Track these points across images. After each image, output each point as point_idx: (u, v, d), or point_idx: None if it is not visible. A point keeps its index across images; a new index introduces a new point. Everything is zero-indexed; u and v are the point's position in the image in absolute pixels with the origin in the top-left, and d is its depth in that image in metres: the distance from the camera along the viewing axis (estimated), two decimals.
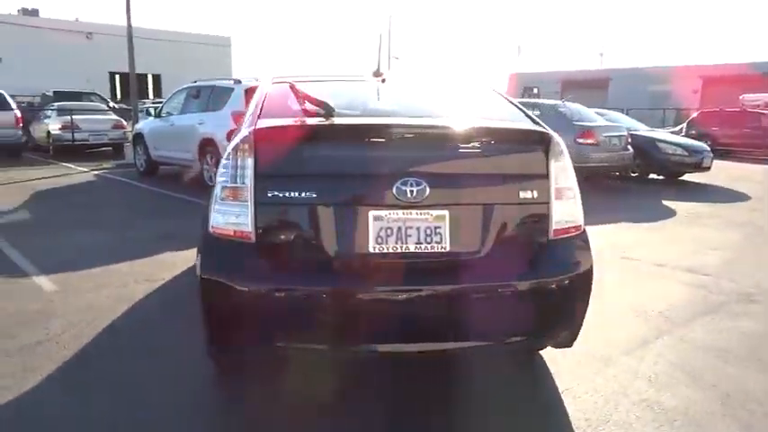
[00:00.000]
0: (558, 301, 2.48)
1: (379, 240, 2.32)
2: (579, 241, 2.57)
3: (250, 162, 2.29)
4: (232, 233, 2.31)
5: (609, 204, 8.56)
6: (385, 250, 2.32)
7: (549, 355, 3.14)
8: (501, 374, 3.02)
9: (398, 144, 2.40)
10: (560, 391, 2.81)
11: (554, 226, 2.49)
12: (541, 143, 2.49)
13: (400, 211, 2.33)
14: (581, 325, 2.64)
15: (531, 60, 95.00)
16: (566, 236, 2.53)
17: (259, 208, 2.29)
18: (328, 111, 2.48)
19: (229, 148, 2.36)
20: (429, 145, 2.44)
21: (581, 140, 9.82)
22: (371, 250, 2.31)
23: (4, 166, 11.44)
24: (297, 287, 2.28)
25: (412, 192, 2.30)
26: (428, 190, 2.32)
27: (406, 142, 2.41)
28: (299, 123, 2.46)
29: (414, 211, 2.34)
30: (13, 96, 14.08)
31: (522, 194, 2.44)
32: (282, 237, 2.34)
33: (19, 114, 13.35)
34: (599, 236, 6.32)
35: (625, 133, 10.54)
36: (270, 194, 2.28)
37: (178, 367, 2.95)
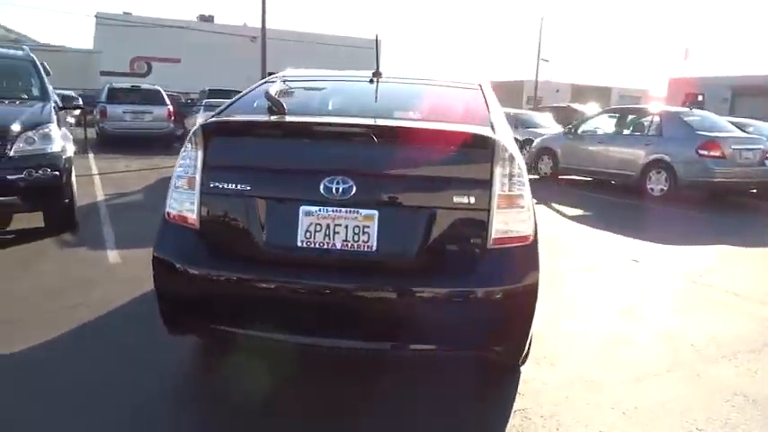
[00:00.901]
0: (490, 313, 2.37)
1: (308, 235, 2.39)
2: (523, 253, 2.43)
3: (200, 154, 2.49)
4: (182, 219, 2.52)
5: (720, 225, 7.68)
6: (312, 245, 2.39)
7: (532, 374, 2.99)
8: (462, 387, 2.91)
9: (332, 142, 2.46)
10: (513, 410, 2.66)
11: (493, 235, 2.37)
12: (485, 148, 2.39)
13: (330, 209, 2.38)
14: (523, 342, 2.50)
15: (699, 65, 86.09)
16: (506, 246, 2.40)
17: (203, 197, 2.47)
18: (279, 109, 2.60)
19: (186, 141, 2.58)
20: (363, 145, 2.45)
21: (703, 152, 8.88)
22: (299, 244, 2.39)
23: (154, 155, 12.96)
24: (228, 274, 2.43)
25: (338, 189, 2.35)
26: (354, 189, 2.35)
27: (339, 141, 2.46)
28: (241, 120, 2.62)
29: (343, 210, 2.37)
30: (172, 93, 15.94)
31: (460, 200, 2.36)
32: (221, 225, 2.50)
33: (171, 108, 15.08)
34: (683, 257, 5.75)
35: (762, 147, 9.30)
36: (213, 185, 2.46)
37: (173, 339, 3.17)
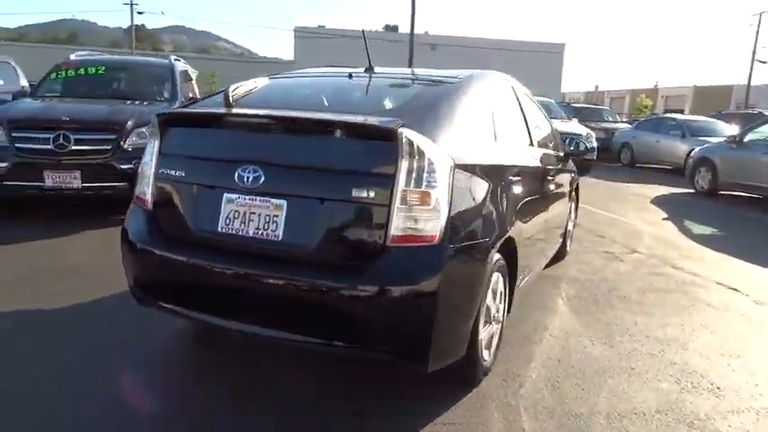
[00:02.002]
0: (380, 312, 2.26)
1: (227, 222, 2.50)
2: (425, 253, 2.27)
3: (156, 142, 2.74)
4: (141, 201, 2.80)
5: None
6: (230, 231, 2.49)
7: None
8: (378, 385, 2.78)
9: (248, 134, 2.55)
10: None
11: (392, 232, 2.26)
12: (390, 141, 2.27)
13: (248, 197, 2.47)
14: (424, 344, 2.33)
15: None
16: (406, 245, 2.27)
17: (155, 182, 2.72)
18: (226, 102, 2.74)
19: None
20: (276, 136, 2.50)
21: None
22: (219, 230, 2.51)
23: None
24: (165, 254, 2.63)
25: (248, 178, 2.42)
26: (263, 178, 2.41)
27: (254, 132, 2.53)
28: (182, 111, 2.80)
29: (258, 198, 2.45)
30: None
31: (361, 194, 2.29)
32: (166, 208, 2.71)
33: None
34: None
35: None
36: (161, 171, 2.70)
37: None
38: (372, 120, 2.39)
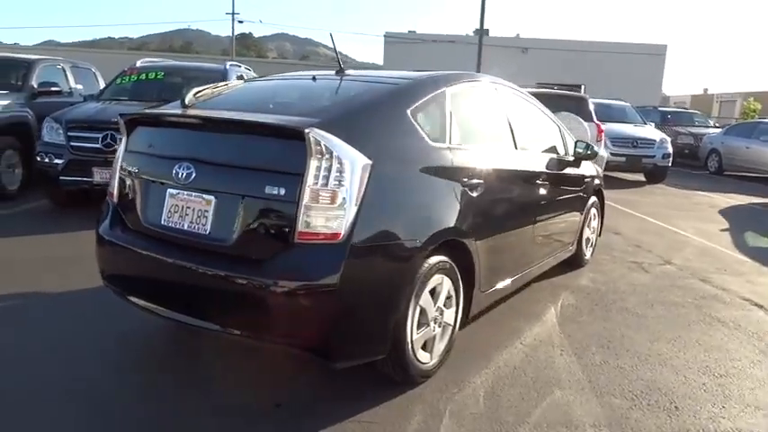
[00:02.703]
0: (284, 306, 2.35)
1: (169, 215, 2.69)
2: (328, 251, 2.32)
3: (123, 140, 2.99)
4: (110, 195, 3.06)
5: None
6: (170, 224, 2.68)
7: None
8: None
9: (187, 132, 2.72)
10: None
11: (299, 228, 2.34)
12: (300, 141, 2.35)
13: (185, 192, 2.64)
14: (326, 339, 2.40)
15: None
16: (311, 241, 2.33)
17: (119, 176, 2.97)
18: (182, 103, 2.93)
19: None
20: (207, 135, 2.66)
21: None
22: (163, 222, 2.71)
23: None
24: (118, 244, 2.86)
25: (182, 175, 2.59)
26: (194, 175, 2.57)
27: (192, 131, 2.70)
28: (139, 112, 3.01)
29: (194, 194, 2.61)
30: None
31: (273, 191, 2.38)
32: (126, 202, 2.95)
33: None
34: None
35: None
36: (123, 166, 2.94)
37: None
38: (285, 120, 2.48)
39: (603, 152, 8.78)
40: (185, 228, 2.62)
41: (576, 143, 4.54)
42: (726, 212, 8.67)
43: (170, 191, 2.69)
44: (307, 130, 2.33)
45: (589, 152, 4.51)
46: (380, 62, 44.19)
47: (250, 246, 2.45)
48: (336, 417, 2.52)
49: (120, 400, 2.62)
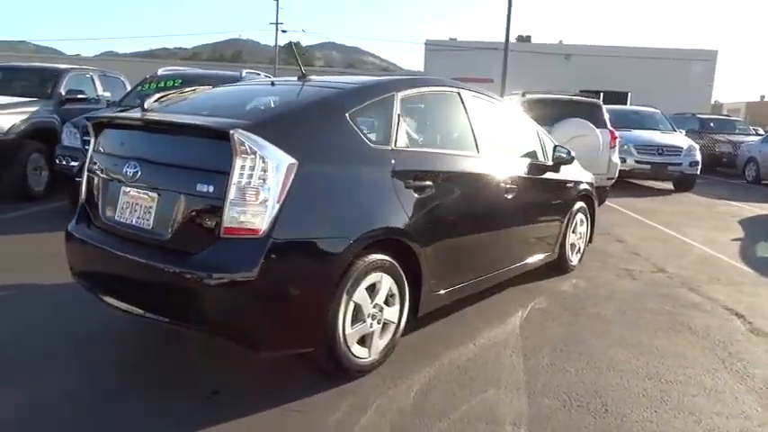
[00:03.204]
0: (213, 296, 2.50)
1: (122, 211, 2.89)
2: (249, 245, 2.46)
3: (92, 142, 3.22)
4: (81, 193, 3.29)
5: None
6: (122, 220, 2.88)
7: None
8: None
9: (137, 133, 2.91)
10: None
11: (224, 224, 2.49)
12: (227, 141, 2.49)
13: (135, 189, 2.84)
14: (246, 329, 2.55)
15: None
16: (235, 236, 2.48)
17: (87, 176, 3.19)
18: (142, 107, 3.12)
19: None
20: (153, 136, 2.85)
21: None
22: (117, 218, 2.91)
23: None
24: (81, 239, 3.06)
25: (130, 173, 2.79)
26: (139, 173, 2.76)
27: (140, 132, 2.89)
28: (98, 115, 3.22)
29: (141, 191, 2.80)
30: None
31: (204, 188, 2.55)
32: (91, 199, 3.16)
33: None
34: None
35: None
36: (90, 166, 3.16)
37: None
38: (215, 122, 2.64)
39: (616, 159, 8.65)
40: (134, 223, 2.81)
41: (554, 148, 4.55)
42: (746, 222, 8.38)
43: (123, 188, 2.89)
44: (231, 131, 2.48)
45: (566, 157, 4.51)
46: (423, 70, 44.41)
47: (184, 240, 2.62)
48: (266, 404, 2.64)
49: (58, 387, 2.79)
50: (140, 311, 2.79)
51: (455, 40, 43.30)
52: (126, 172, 2.80)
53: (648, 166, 11.22)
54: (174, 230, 2.64)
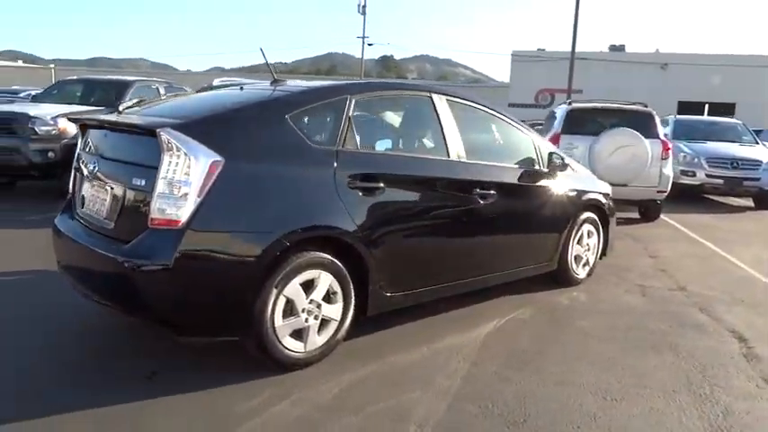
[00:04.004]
0: (138, 282, 2.69)
1: (87, 203, 3.17)
2: (168, 235, 2.63)
3: (80, 141, 3.54)
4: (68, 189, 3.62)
5: None
6: (87, 212, 3.16)
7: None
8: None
9: (102, 132, 3.20)
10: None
11: (151, 215, 2.67)
12: (155, 138, 2.68)
13: (95, 183, 3.11)
14: (165, 314, 2.74)
15: None
16: (160, 227, 2.65)
17: (74, 172, 3.52)
18: (117, 110, 3.40)
19: None
20: (111, 135, 3.11)
21: None
22: (85, 210, 3.19)
23: None
24: (61, 231, 3.35)
25: (91, 168, 3.07)
26: (97, 168, 3.02)
27: (106, 132, 3.17)
28: (78, 116, 3.52)
29: (99, 185, 3.07)
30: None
31: (138, 182, 2.77)
32: (74, 193, 3.47)
33: None
34: None
35: None
36: (76, 164, 3.49)
37: None
38: (149, 122, 2.85)
39: (669, 171, 8.13)
40: (94, 215, 3.08)
41: (550, 155, 4.41)
42: None
43: (88, 183, 3.17)
44: (159, 130, 2.67)
45: (559, 163, 4.36)
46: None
47: (123, 229, 2.84)
48: (197, 386, 2.81)
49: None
50: (96, 298, 3.03)
51: (543, 50, 42.25)
52: (90, 168, 3.08)
53: (721, 181, 10.42)
54: (116, 221, 2.88)
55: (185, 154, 2.65)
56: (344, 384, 2.94)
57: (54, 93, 9.36)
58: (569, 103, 8.81)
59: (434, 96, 3.76)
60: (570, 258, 4.75)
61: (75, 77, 10.26)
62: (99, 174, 3.03)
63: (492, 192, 3.88)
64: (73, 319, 3.62)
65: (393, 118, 3.65)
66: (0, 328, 3.48)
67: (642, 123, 8.14)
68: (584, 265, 4.95)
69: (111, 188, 2.96)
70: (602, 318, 4.14)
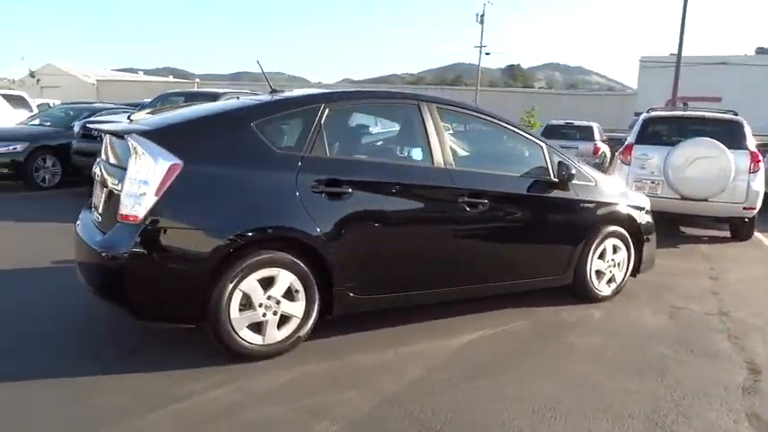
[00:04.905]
0: (106, 270, 3.09)
1: (95, 203, 3.61)
2: (128, 229, 2.97)
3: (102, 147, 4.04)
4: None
5: None
6: (95, 211, 3.59)
7: None
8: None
9: (107, 140, 3.60)
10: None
11: (119, 210, 3.03)
12: (127, 142, 3.03)
13: (98, 185, 3.55)
14: (126, 298, 3.06)
15: None
16: (124, 221, 2.99)
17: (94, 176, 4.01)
18: (128, 118, 3.82)
19: None
20: (110, 141, 3.50)
21: None
22: (93, 209, 3.63)
23: None
24: (75, 231, 3.83)
25: (95, 172, 3.50)
26: (100, 171, 3.46)
27: (108, 139, 3.57)
28: (97, 126, 3.98)
29: (103, 186, 3.49)
30: None
31: (116, 182, 3.16)
32: (91, 195, 3.94)
33: (598, 145, 15.45)
34: None
35: None
36: (94, 168, 3.98)
37: None
38: (123, 128, 3.22)
39: (759, 186, 7.32)
40: (96, 212, 3.51)
41: (559, 164, 4.23)
42: None
43: (97, 185, 3.62)
44: (126, 135, 3.02)
45: (566, 174, 4.16)
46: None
47: (104, 223, 3.23)
48: (157, 366, 3.12)
49: None
50: (85, 285, 3.42)
51: (675, 55, 39.25)
52: (97, 171, 3.53)
53: None
54: (102, 216, 3.28)
55: (147, 157, 2.97)
56: (290, 378, 3.09)
57: (158, 104, 10.45)
58: (648, 111, 8.24)
59: (422, 105, 3.79)
60: (589, 273, 4.51)
61: (177, 90, 11.39)
62: (102, 176, 3.46)
63: (484, 200, 3.83)
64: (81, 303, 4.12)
65: (373, 126, 3.75)
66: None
67: (729, 133, 7.43)
68: (608, 282, 4.67)
69: (105, 188, 3.36)
70: (600, 337, 3.91)
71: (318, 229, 3.26)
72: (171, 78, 64.84)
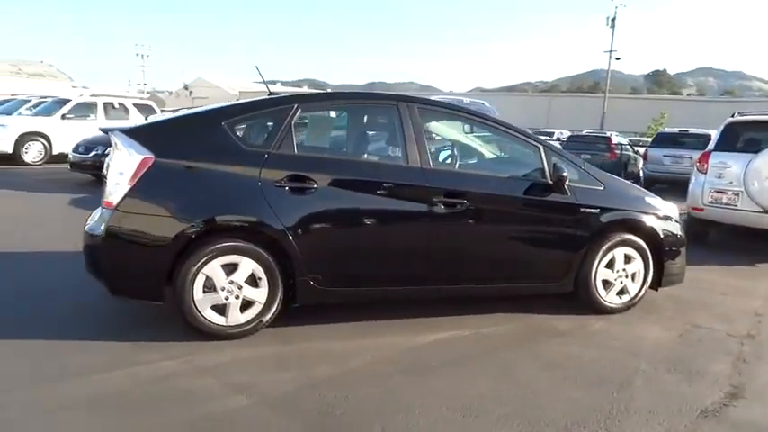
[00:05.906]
0: (88, 248, 3.54)
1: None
2: (106, 213, 3.39)
3: None
4: None
5: None
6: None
7: None
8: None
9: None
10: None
11: (104, 198, 3.48)
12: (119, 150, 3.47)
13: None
14: (100, 273, 3.50)
15: None
16: (105, 208, 3.44)
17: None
18: (145, 119, 4.31)
19: None
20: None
21: None
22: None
23: None
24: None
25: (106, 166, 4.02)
26: (105, 166, 3.96)
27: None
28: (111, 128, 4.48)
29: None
30: None
31: (107, 173, 3.59)
32: None
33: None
34: None
35: None
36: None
37: None
38: (111, 127, 3.63)
39: None
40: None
41: (554, 167, 4.07)
42: None
43: None
44: (110, 132, 3.46)
45: (560, 176, 3.99)
46: None
47: (97, 221, 3.69)
48: (133, 337, 3.49)
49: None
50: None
51: None
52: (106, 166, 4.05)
53: None
54: (102, 204, 3.75)
55: (123, 150, 3.39)
56: (238, 357, 3.32)
57: None
58: (732, 115, 7.47)
59: (401, 105, 3.86)
60: (594, 282, 4.28)
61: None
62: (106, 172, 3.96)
63: (463, 201, 3.82)
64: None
65: (349, 126, 3.89)
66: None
67: None
68: (619, 293, 4.39)
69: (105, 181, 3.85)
70: (578, 348, 3.70)
71: (281, 221, 3.48)
72: (305, 89, 68.88)
